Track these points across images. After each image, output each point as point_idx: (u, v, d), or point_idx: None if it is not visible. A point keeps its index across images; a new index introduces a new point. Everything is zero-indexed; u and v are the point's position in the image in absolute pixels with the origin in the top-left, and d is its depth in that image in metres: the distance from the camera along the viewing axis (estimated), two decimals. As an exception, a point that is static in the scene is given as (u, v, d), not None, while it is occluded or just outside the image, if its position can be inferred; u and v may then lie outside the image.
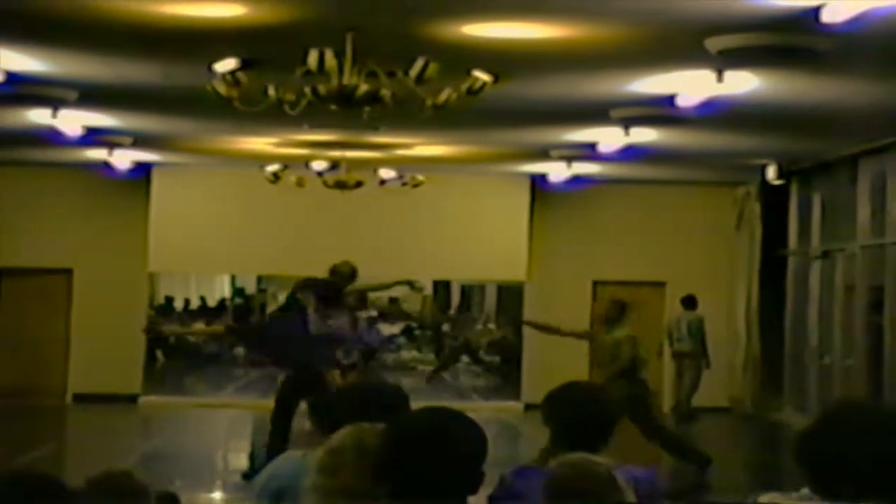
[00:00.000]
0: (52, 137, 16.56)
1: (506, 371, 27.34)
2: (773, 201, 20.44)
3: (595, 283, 21.64)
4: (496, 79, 10.11)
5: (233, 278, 35.56)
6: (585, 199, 21.23)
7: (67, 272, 21.05)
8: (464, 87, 10.08)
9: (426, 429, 3.49)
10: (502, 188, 21.34)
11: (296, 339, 12.28)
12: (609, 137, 15.92)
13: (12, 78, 12.43)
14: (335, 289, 12.87)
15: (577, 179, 20.30)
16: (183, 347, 30.25)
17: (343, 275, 13.36)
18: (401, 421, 3.61)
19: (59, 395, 20.76)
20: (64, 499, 3.41)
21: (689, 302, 19.69)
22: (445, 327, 33.74)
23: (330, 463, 3.92)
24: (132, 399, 20.32)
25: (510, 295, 27.66)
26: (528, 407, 20.00)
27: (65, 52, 11.69)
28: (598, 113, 14.18)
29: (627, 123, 14.65)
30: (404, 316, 34.82)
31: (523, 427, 18.94)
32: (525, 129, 16.19)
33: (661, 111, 13.57)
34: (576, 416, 4.82)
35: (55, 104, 14.01)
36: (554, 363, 19.94)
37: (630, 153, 16.88)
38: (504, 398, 22.66)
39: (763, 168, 19.27)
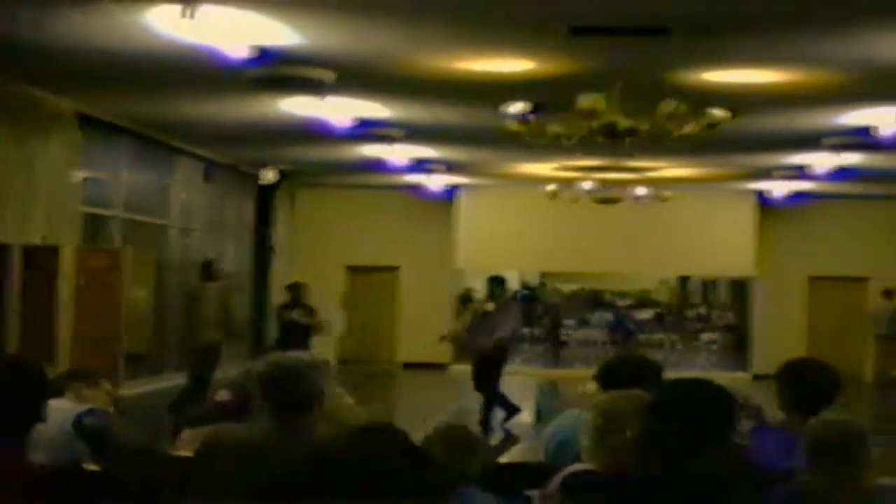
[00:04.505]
0: (381, 167, 17.11)
1: (735, 348, 26.76)
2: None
3: (809, 278, 21.05)
4: (732, 114, 10.00)
5: (520, 274, 35.82)
6: (802, 212, 20.64)
7: (395, 269, 21.69)
8: (705, 121, 10.02)
9: (692, 393, 3.38)
10: (733, 202, 20.94)
11: None
12: (821, 161, 15.49)
13: (362, 123, 12.99)
14: None
15: (796, 195, 19.79)
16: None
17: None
18: (670, 387, 3.48)
19: (391, 363, 21.45)
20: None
21: (888, 294, 19.67)
22: (690, 314, 33.18)
23: (609, 423, 3.80)
24: (442, 367, 20.75)
25: (739, 287, 27.05)
26: (756, 377, 19.58)
27: (399, 102, 12.10)
28: (811, 141, 13.85)
29: (836, 149, 14.23)
30: (654, 304, 34.47)
31: (753, 394, 18.45)
32: (753, 154, 15.87)
33: (863, 140, 13.13)
34: (810, 384, 4.72)
35: (389, 140, 14.52)
36: (775, 340, 19.71)
37: (840, 174, 16.36)
38: (734, 370, 22.13)
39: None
